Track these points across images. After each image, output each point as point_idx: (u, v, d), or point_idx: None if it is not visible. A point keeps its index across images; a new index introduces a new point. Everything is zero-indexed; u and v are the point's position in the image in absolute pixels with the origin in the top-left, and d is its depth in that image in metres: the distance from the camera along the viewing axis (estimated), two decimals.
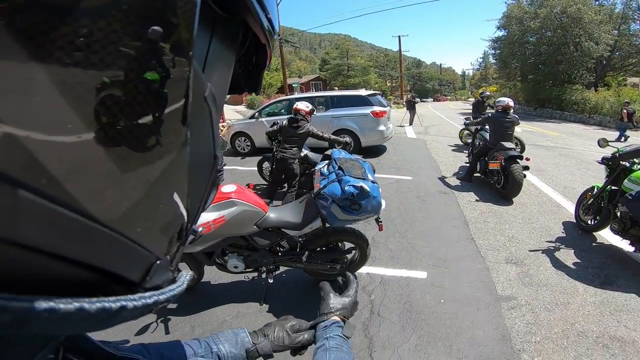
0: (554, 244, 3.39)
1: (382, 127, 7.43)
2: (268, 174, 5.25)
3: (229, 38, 0.36)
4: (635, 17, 21.30)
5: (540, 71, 23.78)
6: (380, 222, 2.43)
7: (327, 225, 2.37)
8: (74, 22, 0.17)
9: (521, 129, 7.41)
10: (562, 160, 7.22)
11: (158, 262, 0.30)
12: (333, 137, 4.54)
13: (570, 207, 4.17)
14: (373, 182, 2.25)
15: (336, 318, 0.72)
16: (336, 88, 29.11)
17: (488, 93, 8.90)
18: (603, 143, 3.75)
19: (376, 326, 2.30)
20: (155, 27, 0.21)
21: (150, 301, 0.26)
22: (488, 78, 51.34)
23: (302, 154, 4.56)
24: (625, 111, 11.69)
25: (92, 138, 0.19)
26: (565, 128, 14.58)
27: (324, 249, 2.58)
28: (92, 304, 0.21)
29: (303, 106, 4.45)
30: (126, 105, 0.21)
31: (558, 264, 3.02)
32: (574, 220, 3.84)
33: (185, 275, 0.35)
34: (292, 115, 4.43)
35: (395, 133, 9.62)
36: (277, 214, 2.36)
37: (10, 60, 0.15)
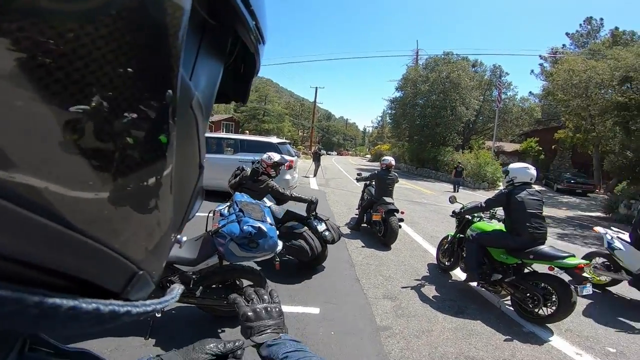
0: (420, 282, 4.11)
1: (288, 177, 7.68)
2: None
3: (217, 46, 0.36)
4: (497, 84, 24.83)
5: (423, 132, 25.59)
6: (277, 261, 2.65)
7: (225, 262, 2.49)
8: (52, 22, 0.16)
9: (402, 187, 8.76)
10: (431, 214, 8.74)
11: (140, 272, 0.29)
12: (296, 195, 4.06)
13: (434, 252, 5.04)
14: (271, 224, 2.51)
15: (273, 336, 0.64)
16: (247, 132, 28.92)
17: None
18: (453, 200, 4.75)
19: None
20: (142, 32, 0.21)
21: (149, 309, 0.28)
22: (383, 136, 53.60)
23: None
24: (455, 170, 15.84)
25: (67, 141, 0.19)
26: (437, 187, 17.13)
27: (220, 285, 2.65)
28: (105, 306, 0.22)
29: (265, 157, 4.08)
30: (106, 108, 0.21)
31: (423, 298, 3.67)
32: (436, 262, 4.75)
33: (178, 288, 0.36)
34: (256, 165, 4.02)
35: (300, 183, 10.10)
36: None
37: None
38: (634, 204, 11.42)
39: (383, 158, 6.38)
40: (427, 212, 9.13)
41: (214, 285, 2.64)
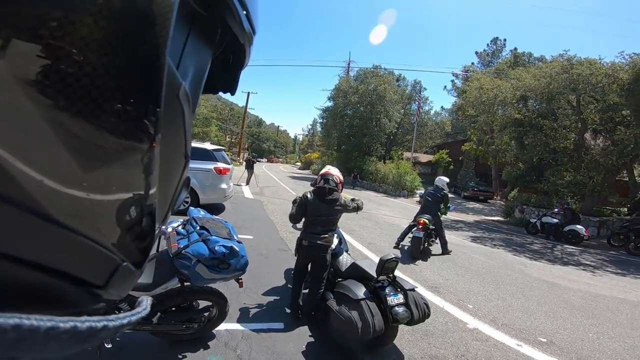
0: None
1: (224, 185, 7.36)
2: None
3: (206, 36, 0.35)
4: (417, 98, 27.24)
5: (350, 142, 26.74)
6: (240, 280, 2.55)
7: (186, 284, 2.33)
8: (41, 8, 0.16)
9: None
10: (364, 222, 9.21)
11: (123, 264, 0.29)
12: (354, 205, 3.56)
13: (373, 257, 5.44)
14: (239, 242, 2.42)
15: None
16: None
17: None
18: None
19: None
20: (128, 20, 0.20)
21: (124, 322, 0.26)
22: (314, 145, 54.77)
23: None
24: (353, 175, 22.50)
25: (48, 129, 0.18)
26: (364, 195, 17.95)
27: (173, 309, 2.47)
28: (82, 323, 0.20)
29: (336, 172, 3.43)
30: (90, 97, 0.20)
31: None
32: None
33: (147, 300, 0.34)
34: (319, 184, 3.28)
35: (235, 192, 9.89)
36: None
37: None
38: (526, 209, 13.56)
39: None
40: (360, 219, 9.53)
41: (169, 309, 2.44)
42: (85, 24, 0.18)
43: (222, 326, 2.80)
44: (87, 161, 0.22)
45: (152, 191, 0.29)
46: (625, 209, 12.98)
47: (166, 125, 0.27)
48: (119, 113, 0.22)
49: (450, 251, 6.70)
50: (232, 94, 0.52)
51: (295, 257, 3.40)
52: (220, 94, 0.53)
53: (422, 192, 9.19)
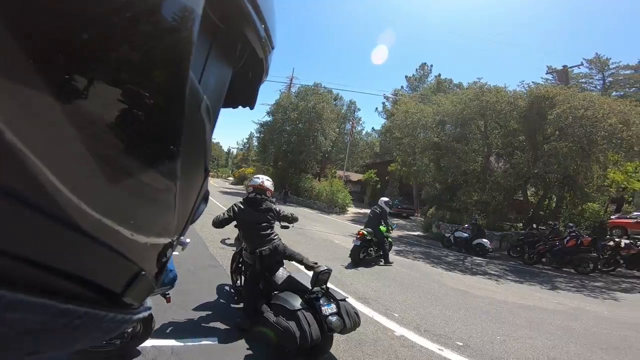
0: None
1: None
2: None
3: (227, 50, 0.35)
4: (351, 118, 28.34)
5: (288, 159, 26.62)
6: (168, 295, 2.47)
7: None
8: (69, 26, 0.16)
9: None
10: (299, 237, 9.33)
11: (142, 273, 0.30)
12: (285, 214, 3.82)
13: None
14: None
15: None
16: None
17: None
18: None
19: None
20: (155, 35, 0.21)
21: (145, 314, 0.30)
22: (249, 159, 53.19)
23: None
24: (284, 190, 22.14)
25: (78, 143, 0.19)
26: (299, 211, 18.15)
27: None
28: (123, 315, 0.23)
29: (268, 184, 3.69)
30: (117, 112, 0.20)
31: None
32: None
33: (149, 299, 0.37)
34: (250, 195, 3.56)
35: None
36: None
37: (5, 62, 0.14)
38: (442, 224, 14.99)
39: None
40: (294, 235, 9.57)
41: None
42: (108, 38, 0.19)
43: (149, 342, 2.62)
44: (112, 174, 0.23)
45: (173, 203, 0.30)
46: (521, 224, 15.10)
47: (188, 139, 0.28)
48: (141, 126, 0.23)
49: (388, 264, 7.50)
50: (252, 108, 0.52)
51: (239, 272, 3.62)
52: (240, 107, 0.54)
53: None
